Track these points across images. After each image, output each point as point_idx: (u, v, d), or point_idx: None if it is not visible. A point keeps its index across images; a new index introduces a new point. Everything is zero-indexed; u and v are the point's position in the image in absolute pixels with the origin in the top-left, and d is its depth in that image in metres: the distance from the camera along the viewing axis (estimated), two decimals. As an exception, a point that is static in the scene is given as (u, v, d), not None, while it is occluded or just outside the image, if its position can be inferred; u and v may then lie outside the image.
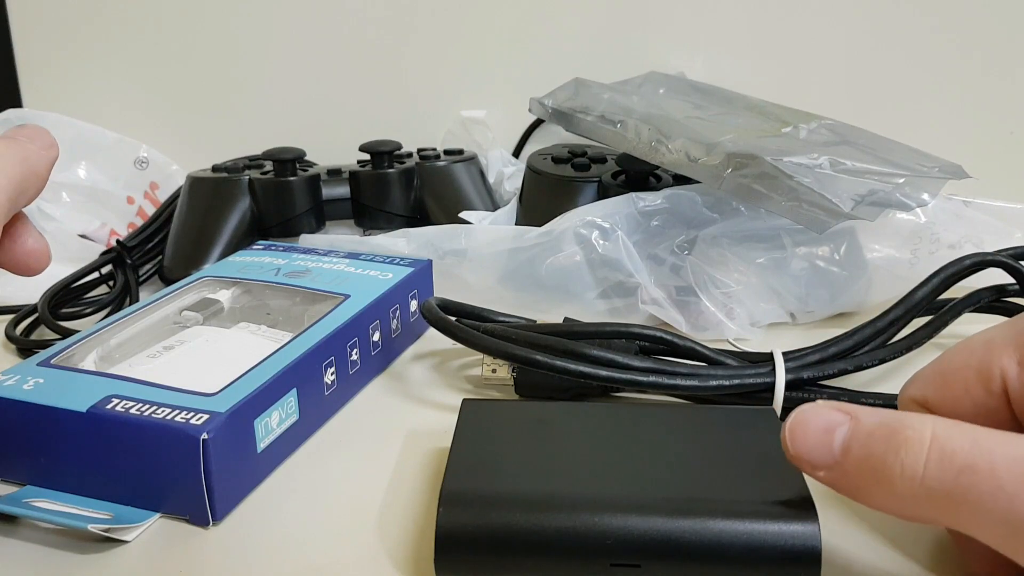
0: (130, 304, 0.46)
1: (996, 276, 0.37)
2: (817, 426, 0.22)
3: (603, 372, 0.32)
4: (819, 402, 0.23)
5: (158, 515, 0.28)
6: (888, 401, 0.32)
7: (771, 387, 0.33)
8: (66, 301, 0.45)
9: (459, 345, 0.35)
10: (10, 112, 0.59)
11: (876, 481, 0.20)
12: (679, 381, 0.33)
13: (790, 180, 0.38)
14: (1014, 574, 0.24)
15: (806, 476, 0.25)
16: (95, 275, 0.48)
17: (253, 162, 0.54)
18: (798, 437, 0.22)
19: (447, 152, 0.55)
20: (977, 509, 0.19)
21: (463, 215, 0.50)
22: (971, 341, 0.24)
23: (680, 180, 0.48)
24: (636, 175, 0.48)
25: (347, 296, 0.37)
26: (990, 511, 0.19)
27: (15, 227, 0.28)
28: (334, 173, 0.54)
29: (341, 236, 0.50)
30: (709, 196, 0.43)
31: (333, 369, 0.34)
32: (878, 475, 0.20)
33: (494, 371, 0.35)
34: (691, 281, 0.41)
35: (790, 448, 0.22)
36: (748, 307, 0.41)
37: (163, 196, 0.59)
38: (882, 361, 0.35)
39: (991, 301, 0.38)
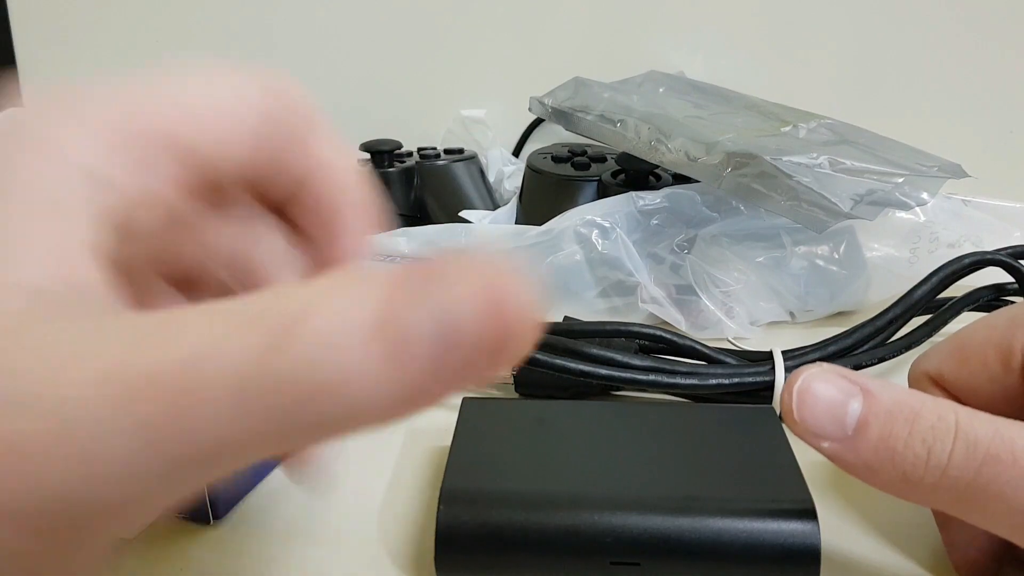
0: (130, 303, 0.46)
1: (995, 275, 0.37)
2: (828, 394, 0.20)
3: (603, 371, 0.32)
4: (823, 365, 0.21)
5: (158, 514, 0.28)
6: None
7: (771, 386, 0.33)
8: (66, 300, 0.45)
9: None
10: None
11: (894, 464, 0.20)
12: (679, 380, 0.33)
13: (789, 179, 0.38)
14: (993, 567, 0.24)
15: (805, 473, 0.25)
16: (95, 274, 0.48)
17: (253, 161, 0.54)
18: (807, 403, 0.21)
19: (447, 151, 0.55)
20: (997, 500, 0.19)
21: (463, 214, 0.50)
22: (992, 318, 0.24)
23: (680, 179, 0.48)
24: (636, 174, 0.48)
25: (347, 295, 0.37)
26: (1010, 502, 0.19)
27: None
28: (334, 172, 0.54)
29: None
30: (709, 195, 0.43)
31: (333, 368, 0.34)
32: (898, 458, 0.20)
33: (494, 370, 0.35)
34: (691, 280, 0.41)
35: (795, 414, 0.21)
36: (748, 306, 0.41)
37: (163, 195, 0.59)
38: (881, 360, 0.35)
39: (990, 300, 0.38)
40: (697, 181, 0.43)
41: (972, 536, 0.24)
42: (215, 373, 0.12)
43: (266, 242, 0.19)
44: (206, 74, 0.17)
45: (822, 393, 0.21)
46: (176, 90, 0.17)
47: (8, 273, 0.13)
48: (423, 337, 0.12)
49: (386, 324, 0.12)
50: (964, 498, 0.19)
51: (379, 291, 0.12)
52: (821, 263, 0.42)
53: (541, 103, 0.52)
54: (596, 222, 0.42)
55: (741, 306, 0.41)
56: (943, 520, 0.25)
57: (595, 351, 0.33)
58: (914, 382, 0.26)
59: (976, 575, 0.25)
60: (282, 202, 0.19)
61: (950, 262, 0.37)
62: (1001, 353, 0.23)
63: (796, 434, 0.21)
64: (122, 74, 0.17)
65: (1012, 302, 0.38)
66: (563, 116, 0.50)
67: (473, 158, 0.56)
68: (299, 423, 0.12)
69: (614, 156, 0.50)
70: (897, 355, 0.35)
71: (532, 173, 0.51)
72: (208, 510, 0.28)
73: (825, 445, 0.21)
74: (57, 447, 0.11)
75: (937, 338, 0.36)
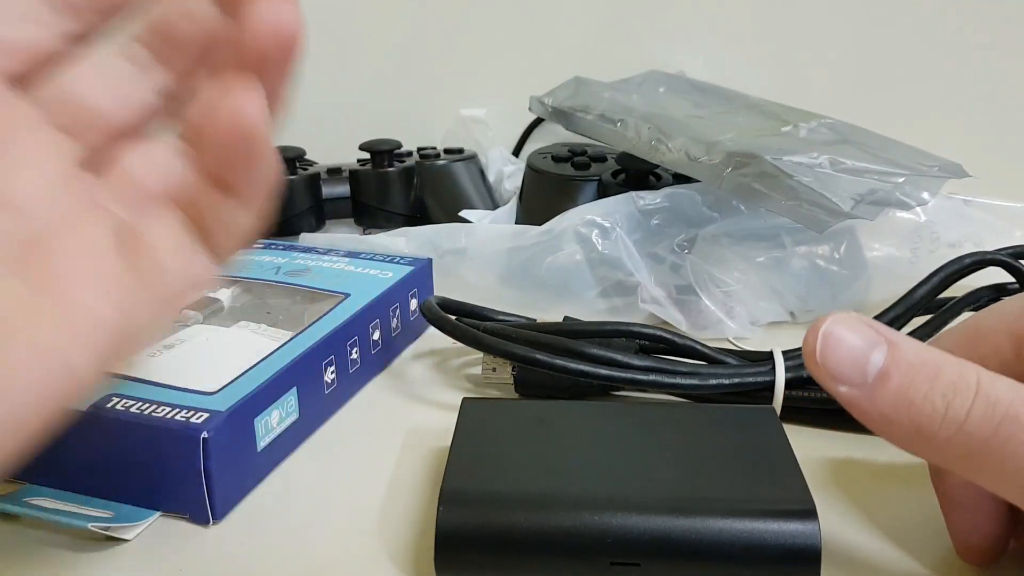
0: (130, 303, 0.46)
1: (996, 275, 0.37)
2: (852, 340, 0.21)
3: (603, 371, 0.32)
4: (851, 312, 0.21)
5: (158, 514, 0.28)
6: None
7: (771, 386, 0.33)
8: (66, 300, 0.45)
9: (459, 344, 0.35)
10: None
11: (911, 416, 0.20)
12: (679, 380, 0.33)
13: (790, 179, 0.38)
14: (996, 552, 0.24)
15: (805, 473, 0.25)
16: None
17: (253, 161, 0.54)
18: (830, 346, 0.21)
19: (447, 151, 0.55)
20: (1012, 459, 0.19)
21: (463, 214, 0.50)
22: (1005, 305, 0.24)
23: (680, 179, 0.48)
24: (636, 174, 0.48)
25: (347, 295, 0.37)
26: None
27: None
28: (334, 172, 0.54)
29: (341, 235, 0.50)
30: (709, 195, 0.43)
31: (333, 368, 0.34)
32: (915, 410, 0.20)
33: (494, 370, 0.35)
34: (691, 280, 0.41)
35: (818, 356, 0.21)
36: (748, 306, 0.41)
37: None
38: (882, 360, 0.35)
39: (991, 300, 0.38)
40: (697, 181, 0.43)
41: (976, 522, 0.25)
42: None
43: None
44: None
45: (846, 338, 0.21)
46: None
47: None
48: None
49: None
50: (977, 456, 0.19)
51: None
52: (822, 263, 0.42)
53: (541, 103, 0.52)
54: (596, 222, 0.42)
55: (741, 306, 0.41)
56: (947, 505, 0.25)
57: (595, 351, 0.33)
58: None
59: (979, 560, 0.25)
60: None
61: (951, 262, 0.37)
62: (1013, 339, 0.23)
63: (815, 376, 0.21)
64: None
65: (1013, 302, 0.38)
66: (563, 116, 0.50)
67: (473, 158, 0.56)
68: None
69: (614, 156, 0.50)
70: (898, 355, 0.35)
71: (532, 173, 0.51)
72: (208, 509, 0.28)
73: (843, 390, 0.21)
74: None
75: (938, 338, 0.36)
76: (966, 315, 0.37)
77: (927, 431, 0.20)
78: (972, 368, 0.20)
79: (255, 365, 0.31)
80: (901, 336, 0.21)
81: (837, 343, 0.21)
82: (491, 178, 0.58)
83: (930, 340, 0.26)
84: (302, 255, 0.42)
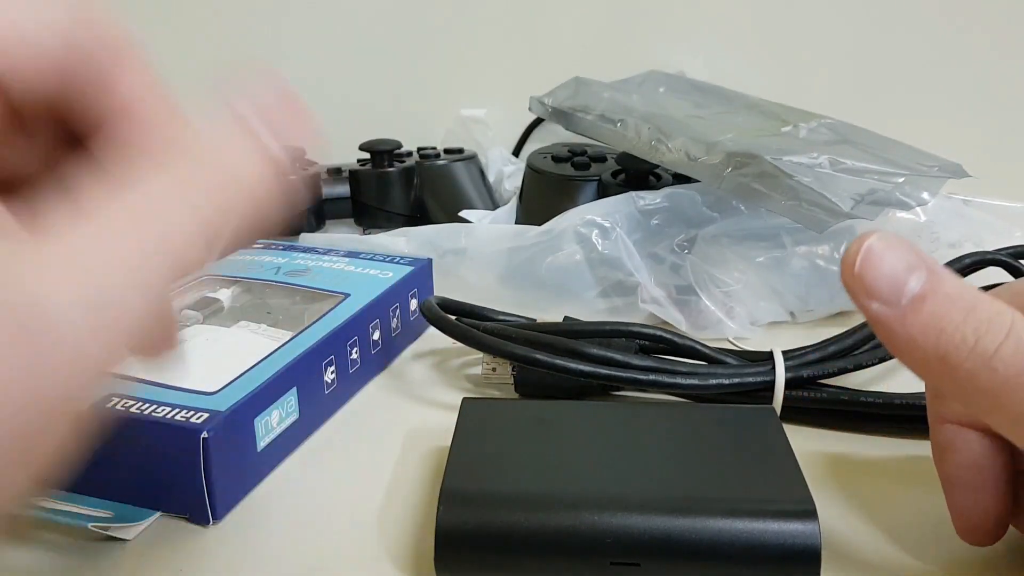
0: (130, 303, 0.46)
1: (996, 275, 0.37)
2: (895, 259, 0.20)
3: (603, 371, 0.32)
4: (897, 235, 0.21)
5: (158, 514, 0.28)
6: (888, 399, 0.32)
7: (771, 386, 0.33)
8: (66, 300, 0.45)
9: (459, 344, 0.35)
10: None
11: (938, 343, 0.20)
12: (679, 380, 0.33)
13: (790, 179, 0.38)
14: (996, 531, 0.25)
15: (805, 473, 0.25)
16: (95, 274, 0.48)
17: (253, 161, 0.54)
18: (871, 261, 0.20)
19: (447, 151, 0.55)
20: None
21: (463, 214, 0.50)
22: (1018, 284, 0.25)
23: (680, 179, 0.48)
24: (636, 174, 0.48)
25: (347, 295, 0.37)
26: None
27: None
28: (334, 172, 0.54)
29: (341, 235, 0.50)
30: (709, 195, 0.43)
31: (333, 368, 0.34)
32: (944, 338, 0.20)
33: (494, 370, 0.35)
34: (691, 280, 0.41)
35: (857, 267, 0.20)
36: (748, 306, 0.41)
37: (163, 195, 0.59)
38: (881, 360, 0.35)
39: (991, 300, 0.38)
40: (697, 181, 0.43)
41: (976, 501, 0.25)
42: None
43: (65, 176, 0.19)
44: None
45: (889, 257, 0.20)
46: None
47: None
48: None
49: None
50: (998, 392, 0.19)
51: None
52: (822, 263, 0.42)
53: (541, 103, 0.52)
54: (596, 222, 0.42)
55: (741, 306, 0.41)
56: (949, 484, 0.25)
57: (595, 351, 0.33)
58: None
59: (979, 540, 0.25)
60: (89, 135, 0.19)
61: (950, 262, 0.37)
62: None
63: (847, 287, 0.21)
64: None
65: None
66: (563, 116, 0.50)
67: (473, 158, 0.56)
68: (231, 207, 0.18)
69: (614, 156, 0.50)
70: (898, 355, 0.35)
71: (532, 173, 0.51)
72: (208, 509, 0.28)
73: (874, 307, 0.20)
74: None
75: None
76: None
77: (952, 360, 0.20)
78: (1009, 310, 0.20)
79: (255, 365, 0.31)
80: (942, 267, 0.21)
81: (879, 259, 0.20)
82: (491, 178, 0.58)
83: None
84: (302, 255, 0.42)
